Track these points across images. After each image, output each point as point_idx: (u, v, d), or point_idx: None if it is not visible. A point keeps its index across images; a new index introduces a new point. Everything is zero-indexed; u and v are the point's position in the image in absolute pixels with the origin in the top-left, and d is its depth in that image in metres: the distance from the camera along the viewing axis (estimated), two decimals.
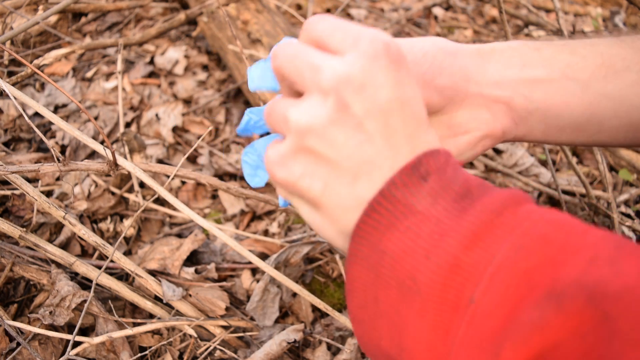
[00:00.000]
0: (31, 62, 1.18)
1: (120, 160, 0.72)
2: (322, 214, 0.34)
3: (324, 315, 0.96)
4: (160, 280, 0.86)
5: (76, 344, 0.76)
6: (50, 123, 1.30)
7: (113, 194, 1.12)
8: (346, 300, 0.34)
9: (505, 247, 0.27)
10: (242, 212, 1.18)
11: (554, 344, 0.24)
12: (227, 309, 0.87)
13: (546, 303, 0.25)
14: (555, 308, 0.24)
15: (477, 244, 0.28)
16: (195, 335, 0.85)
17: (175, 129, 1.36)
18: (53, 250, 0.81)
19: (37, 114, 1.31)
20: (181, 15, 1.40)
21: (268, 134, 0.43)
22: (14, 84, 0.89)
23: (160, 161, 1.27)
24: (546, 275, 0.26)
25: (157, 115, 1.37)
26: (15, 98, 0.70)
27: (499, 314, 0.26)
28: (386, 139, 0.31)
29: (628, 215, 1.10)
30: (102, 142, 1.24)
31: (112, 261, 0.81)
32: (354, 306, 0.33)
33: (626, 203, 1.15)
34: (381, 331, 0.31)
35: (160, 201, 1.16)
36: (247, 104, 1.47)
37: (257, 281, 0.97)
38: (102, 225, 1.06)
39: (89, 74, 1.49)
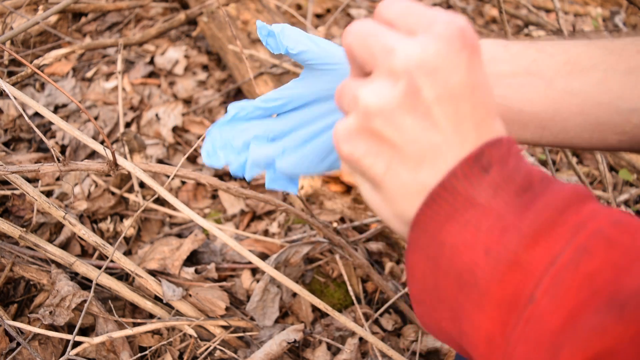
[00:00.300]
0: (31, 62, 1.18)
1: (120, 160, 0.72)
2: (382, 195, 0.34)
3: (324, 315, 0.96)
4: (160, 280, 0.86)
5: (76, 344, 0.76)
6: (50, 123, 1.30)
7: (113, 194, 1.12)
8: (407, 282, 0.34)
9: (568, 248, 0.27)
10: (242, 212, 1.18)
11: (611, 350, 0.24)
12: (227, 309, 0.87)
13: (607, 310, 0.25)
14: (616, 316, 0.24)
15: (538, 243, 0.27)
16: (195, 335, 0.85)
17: (175, 129, 1.36)
18: (53, 250, 0.81)
19: (37, 114, 1.31)
20: (181, 15, 1.40)
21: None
22: (14, 84, 0.89)
23: (160, 161, 1.27)
24: (609, 281, 0.26)
25: (157, 115, 1.37)
26: (15, 98, 0.70)
27: (559, 315, 0.26)
28: (454, 126, 0.30)
29: None
30: (102, 142, 1.24)
31: (112, 261, 0.81)
32: (414, 289, 0.33)
33: (626, 203, 1.15)
34: (442, 313, 0.32)
35: (160, 201, 1.16)
36: None
37: (257, 281, 0.97)
38: (102, 225, 1.06)
39: (89, 74, 1.49)
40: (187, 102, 1.46)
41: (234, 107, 0.45)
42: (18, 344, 0.81)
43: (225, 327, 0.87)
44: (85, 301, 0.82)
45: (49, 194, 1.10)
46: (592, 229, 0.27)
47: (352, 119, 0.33)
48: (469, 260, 0.29)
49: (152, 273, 0.90)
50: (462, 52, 0.30)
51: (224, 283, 0.93)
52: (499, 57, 0.40)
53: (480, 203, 0.29)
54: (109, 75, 1.49)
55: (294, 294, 0.96)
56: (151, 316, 0.90)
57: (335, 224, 0.94)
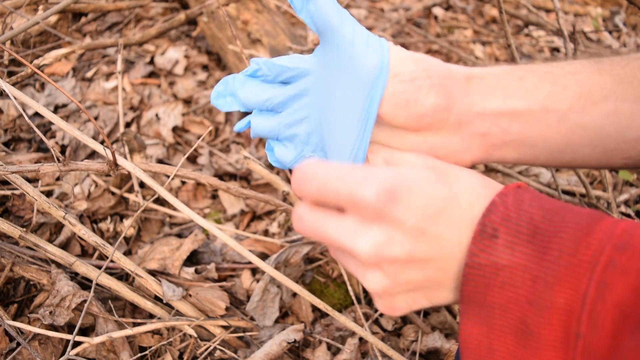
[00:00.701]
0: (31, 62, 1.18)
1: (120, 160, 0.72)
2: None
3: (324, 315, 0.96)
4: (160, 280, 0.86)
5: (76, 344, 0.76)
6: (50, 123, 1.30)
7: (113, 194, 1.12)
8: (461, 356, 0.38)
9: (591, 285, 0.31)
10: (242, 212, 1.18)
11: None
12: (227, 309, 0.87)
13: (638, 331, 0.29)
14: None
15: (564, 286, 0.32)
16: (195, 335, 0.85)
17: (175, 129, 1.36)
18: (53, 250, 0.82)
19: (37, 114, 1.31)
20: (181, 15, 1.40)
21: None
22: (14, 84, 0.89)
23: (160, 161, 1.27)
24: (633, 306, 0.30)
25: (157, 115, 1.37)
26: (15, 98, 0.70)
27: (605, 343, 0.30)
28: (440, 247, 0.35)
29: (628, 215, 1.10)
30: (102, 142, 1.24)
31: (112, 261, 0.81)
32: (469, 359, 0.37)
33: (626, 203, 1.15)
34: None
35: (160, 201, 1.16)
36: None
37: (257, 281, 0.97)
38: (102, 225, 1.06)
39: (89, 74, 1.49)
40: (187, 102, 1.46)
41: (255, 62, 0.48)
42: (18, 344, 0.81)
43: (225, 327, 0.87)
44: (85, 301, 0.82)
45: (49, 194, 1.10)
46: (604, 263, 0.31)
47: (377, 293, 0.38)
48: (519, 313, 0.33)
49: (152, 273, 0.90)
50: (392, 212, 0.34)
51: (224, 283, 0.93)
52: (516, 93, 0.42)
53: (505, 265, 0.34)
54: (109, 75, 1.49)
55: (294, 294, 0.96)
56: (151, 316, 0.90)
57: None
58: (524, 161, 0.44)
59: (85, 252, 1.01)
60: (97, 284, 0.82)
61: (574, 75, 0.42)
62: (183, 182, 1.23)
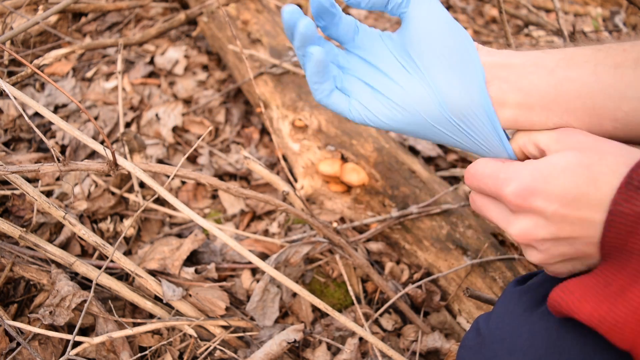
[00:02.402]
0: (31, 62, 1.18)
1: (120, 160, 0.72)
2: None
3: (324, 315, 0.96)
4: (160, 280, 0.86)
5: (76, 344, 0.76)
6: (50, 123, 1.30)
7: (113, 194, 1.12)
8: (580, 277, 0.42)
9: None
10: (242, 212, 1.18)
11: None
12: (227, 309, 0.87)
13: None
14: None
15: None
16: (195, 335, 0.85)
17: (175, 129, 1.36)
18: (53, 250, 0.81)
19: (37, 114, 1.31)
20: (181, 15, 1.40)
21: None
22: (14, 84, 0.89)
23: (160, 161, 1.27)
24: None
25: (157, 115, 1.37)
26: (15, 98, 0.70)
27: None
28: (582, 228, 0.40)
29: None
30: (102, 142, 1.24)
31: (112, 261, 0.81)
32: (585, 288, 0.41)
33: None
34: (617, 317, 0.39)
35: (160, 201, 1.16)
36: (247, 104, 1.47)
37: (257, 281, 0.97)
38: (102, 225, 1.06)
39: (89, 74, 1.49)
40: (187, 102, 1.46)
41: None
42: (18, 344, 0.81)
43: (225, 327, 0.87)
44: (85, 301, 0.82)
45: (49, 194, 1.10)
46: None
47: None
48: None
49: (152, 273, 0.90)
50: (531, 205, 0.42)
51: (224, 283, 0.93)
52: (513, 54, 0.51)
53: None
54: (109, 75, 1.49)
55: (294, 294, 0.96)
56: (151, 316, 0.90)
57: (335, 224, 0.94)
58: (523, 119, 0.49)
59: (85, 252, 1.01)
60: (97, 284, 0.82)
61: (558, 47, 0.51)
62: (183, 182, 1.23)
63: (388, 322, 0.96)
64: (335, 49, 0.55)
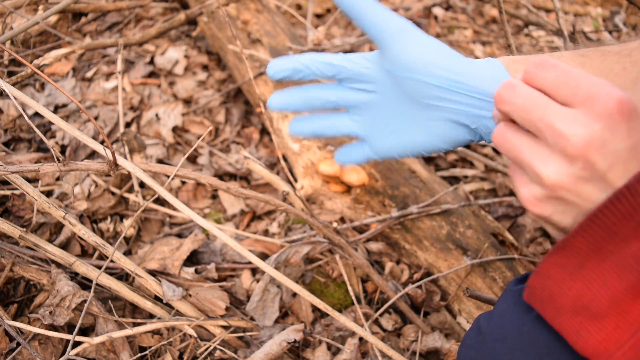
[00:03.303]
0: (31, 62, 1.18)
1: (120, 160, 0.72)
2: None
3: (324, 315, 0.96)
4: (160, 280, 0.86)
5: (76, 344, 0.76)
6: (50, 123, 1.30)
7: (113, 194, 1.12)
8: (549, 257, 0.40)
9: None
10: (242, 212, 1.18)
11: None
12: (227, 309, 0.87)
13: None
14: None
15: None
16: (195, 335, 0.85)
17: (175, 129, 1.36)
18: (53, 250, 0.81)
19: (37, 114, 1.31)
20: (181, 15, 1.40)
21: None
22: (14, 84, 0.89)
23: (160, 161, 1.27)
24: None
25: (157, 115, 1.37)
26: (15, 98, 0.70)
27: None
28: (625, 179, 0.37)
29: None
30: (102, 142, 1.24)
31: (112, 261, 0.81)
32: (552, 264, 0.39)
33: None
34: (568, 290, 0.38)
35: (160, 201, 1.16)
36: (247, 104, 1.47)
37: (257, 281, 0.97)
38: (102, 225, 1.06)
39: (89, 74, 1.49)
40: (187, 102, 1.46)
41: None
42: (18, 344, 0.81)
43: (225, 327, 0.87)
44: (85, 301, 0.82)
45: (49, 194, 1.10)
46: None
47: (537, 189, 0.40)
48: (636, 250, 0.35)
49: (152, 273, 0.90)
50: (621, 124, 0.36)
51: (224, 283, 0.93)
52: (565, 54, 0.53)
53: None
54: (109, 75, 1.49)
55: (294, 294, 0.96)
56: (151, 316, 0.90)
57: (335, 224, 0.94)
58: None
59: (85, 252, 1.01)
60: (97, 284, 0.82)
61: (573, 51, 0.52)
62: (183, 182, 1.23)
63: (388, 322, 0.96)
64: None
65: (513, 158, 0.42)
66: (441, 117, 0.55)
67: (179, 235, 1.10)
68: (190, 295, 0.87)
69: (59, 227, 1.02)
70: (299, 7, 1.89)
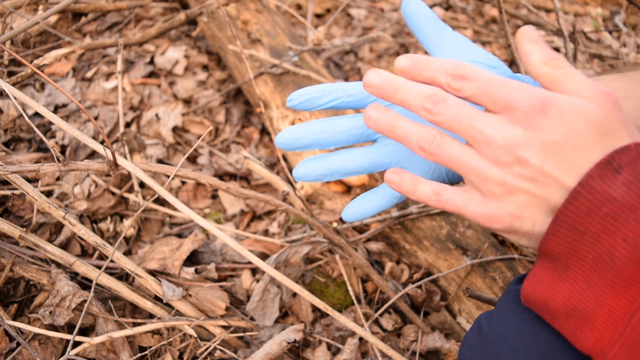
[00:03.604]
0: (31, 62, 1.18)
1: (120, 160, 0.72)
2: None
3: (324, 315, 0.96)
4: (160, 280, 0.86)
5: (76, 344, 0.76)
6: (50, 123, 1.30)
7: (113, 194, 1.12)
8: (539, 260, 0.40)
9: None
10: (242, 212, 1.18)
11: None
12: (227, 309, 0.87)
13: None
14: None
15: None
16: (195, 335, 0.85)
17: (175, 129, 1.36)
18: (53, 250, 0.81)
19: (37, 114, 1.31)
20: (181, 15, 1.40)
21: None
22: (14, 84, 0.89)
23: (160, 161, 1.27)
24: None
25: (157, 115, 1.37)
26: (15, 98, 0.70)
27: None
28: (565, 169, 0.38)
29: None
30: (102, 142, 1.24)
31: (112, 261, 0.81)
32: (543, 268, 0.40)
33: None
34: (558, 293, 0.38)
35: (160, 201, 1.16)
36: (247, 104, 1.47)
37: (257, 281, 0.97)
38: (102, 225, 1.06)
39: (89, 74, 1.49)
40: (187, 102, 1.46)
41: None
42: (18, 344, 0.81)
43: (225, 327, 0.87)
44: (85, 301, 0.82)
45: (49, 194, 1.10)
46: None
47: (492, 204, 0.41)
48: (608, 246, 0.35)
49: (152, 273, 0.90)
50: (541, 122, 0.37)
51: (224, 283, 0.93)
52: None
53: (615, 198, 0.35)
54: (109, 75, 1.49)
55: (294, 294, 0.96)
56: (151, 316, 0.90)
57: (335, 224, 0.94)
58: None
59: (85, 252, 1.01)
60: (97, 284, 0.82)
61: (599, 79, 0.49)
62: (183, 182, 1.23)
63: (388, 322, 0.96)
64: None
65: (456, 169, 0.42)
66: None
67: (179, 235, 1.10)
68: (190, 295, 0.87)
69: (59, 227, 1.02)
70: (299, 7, 1.89)
